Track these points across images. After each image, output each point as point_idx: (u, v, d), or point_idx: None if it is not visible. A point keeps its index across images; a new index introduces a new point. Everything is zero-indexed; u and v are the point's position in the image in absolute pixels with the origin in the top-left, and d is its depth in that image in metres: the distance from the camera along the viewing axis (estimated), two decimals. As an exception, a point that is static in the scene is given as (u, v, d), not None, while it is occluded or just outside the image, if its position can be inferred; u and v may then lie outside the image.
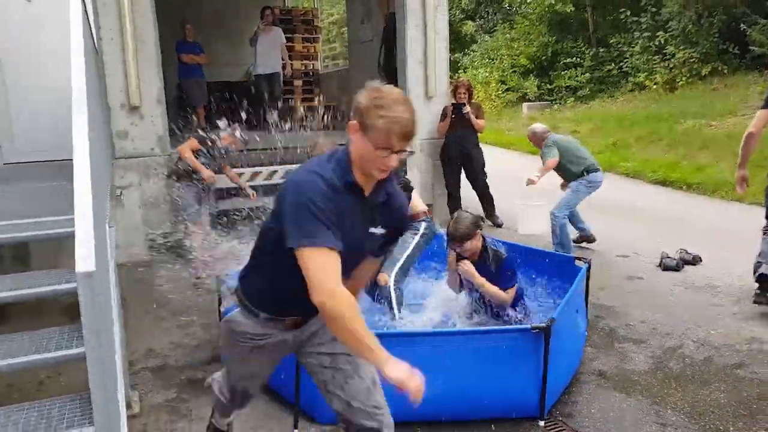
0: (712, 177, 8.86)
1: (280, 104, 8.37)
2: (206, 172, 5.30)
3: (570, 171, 5.47)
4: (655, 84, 13.91)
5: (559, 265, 4.02)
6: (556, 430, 2.91)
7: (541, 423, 2.94)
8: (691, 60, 13.30)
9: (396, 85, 6.70)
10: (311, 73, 10.34)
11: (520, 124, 14.84)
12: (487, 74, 17.60)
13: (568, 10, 15.72)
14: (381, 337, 1.73)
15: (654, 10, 14.29)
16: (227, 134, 5.44)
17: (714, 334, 3.87)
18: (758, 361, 3.51)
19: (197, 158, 5.29)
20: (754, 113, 4.86)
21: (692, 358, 3.57)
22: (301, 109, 8.93)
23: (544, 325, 2.89)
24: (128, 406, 2.90)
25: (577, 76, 15.66)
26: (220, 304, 3.60)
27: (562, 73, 15.95)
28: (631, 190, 9.14)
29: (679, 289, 4.75)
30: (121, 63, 5.54)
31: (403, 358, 1.68)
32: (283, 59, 8.95)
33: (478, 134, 6.93)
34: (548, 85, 16.40)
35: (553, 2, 15.65)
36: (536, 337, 2.90)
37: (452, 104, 6.83)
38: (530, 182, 5.37)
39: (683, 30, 13.51)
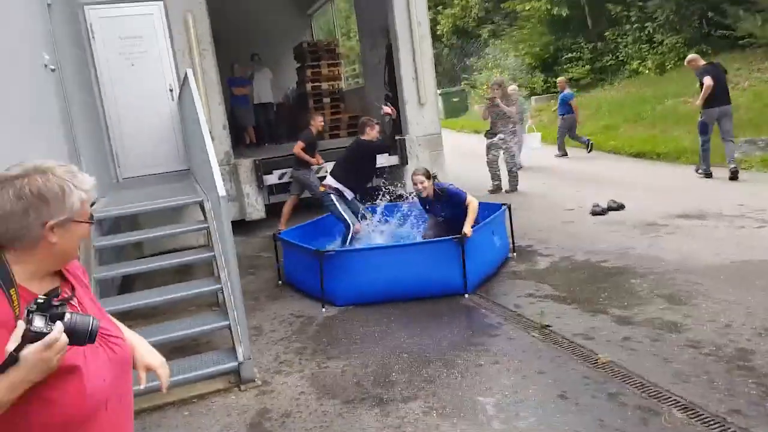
0: (677, 147, 10.48)
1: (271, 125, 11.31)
2: (314, 160, 7.44)
3: None
4: (647, 69, 15.42)
5: (494, 209, 5.97)
6: (475, 299, 4.91)
7: (466, 295, 4.92)
8: (677, 45, 14.76)
9: (396, 95, 8.92)
10: (336, 92, 12.49)
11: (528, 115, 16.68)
12: (499, 74, 19.39)
13: (564, 14, 17.39)
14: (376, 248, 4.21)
15: (640, 3, 15.80)
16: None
17: (598, 247, 5.74)
18: (619, 257, 5.37)
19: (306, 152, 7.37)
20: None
21: (575, 259, 5.49)
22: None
23: (459, 236, 4.90)
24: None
25: (578, 68, 17.27)
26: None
27: (565, 67, 17.59)
28: (608, 163, 10.87)
29: (595, 225, 6.61)
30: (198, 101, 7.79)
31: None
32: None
33: (512, 119, 9.20)
34: (553, 79, 18.02)
35: (549, 7, 17.37)
36: (457, 244, 4.90)
37: (487, 98, 9.22)
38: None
39: (667, 19, 14.98)
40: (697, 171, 8.56)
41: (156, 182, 6.80)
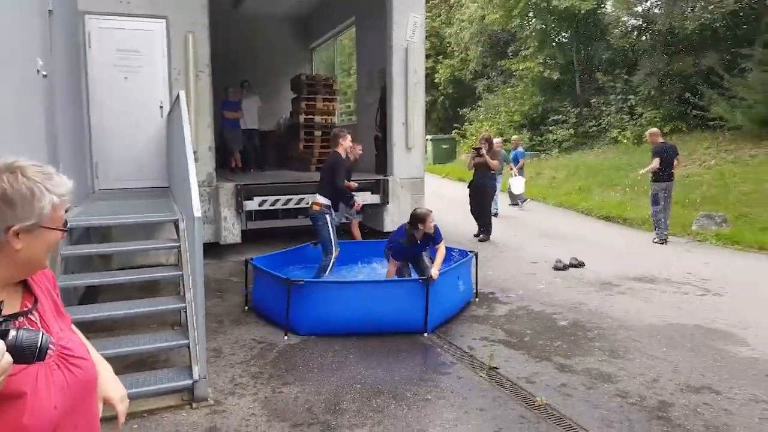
0: (643, 215, 11.03)
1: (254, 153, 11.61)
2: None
3: None
4: (626, 139, 16.21)
5: (462, 254, 6.34)
6: (434, 338, 5.21)
7: (425, 334, 5.21)
8: (656, 119, 15.61)
9: (386, 138, 9.37)
10: (329, 126, 12.95)
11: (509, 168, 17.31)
12: (488, 127, 20.16)
13: (555, 78, 18.32)
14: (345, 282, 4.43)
15: (626, 77, 16.74)
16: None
17: (554, 300, 6.11)
18: (571, 311, 5.73)
19: None
20: (694, 165, 8.14)
21: (531, 309, 5.83)
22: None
23: (425, 278, 5.23)
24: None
25: (562, 130, 18.07)
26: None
27: (550, 128, 18.40)
28: (577, 223, 11.38)
29: (555, 280, 7.00)
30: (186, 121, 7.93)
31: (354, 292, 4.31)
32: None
33: (493, 171, 9.71)
34: (539, 138, 18.84)
35: (542, 70, 18.29)
36: (423, 285, 5.22)
37: (474, 148, 9.74)
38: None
39: (649, 94, 15.88)
40: (653, 241, 9.17)
41: (133, 197, 6.78)
